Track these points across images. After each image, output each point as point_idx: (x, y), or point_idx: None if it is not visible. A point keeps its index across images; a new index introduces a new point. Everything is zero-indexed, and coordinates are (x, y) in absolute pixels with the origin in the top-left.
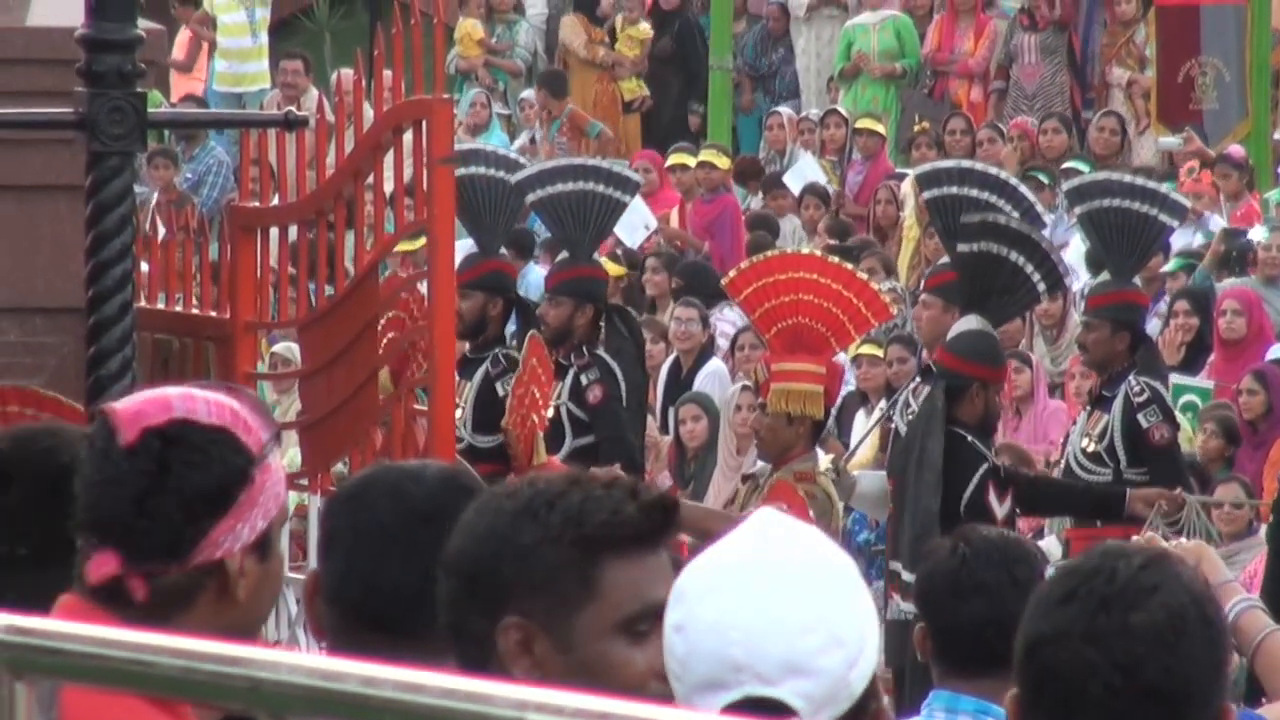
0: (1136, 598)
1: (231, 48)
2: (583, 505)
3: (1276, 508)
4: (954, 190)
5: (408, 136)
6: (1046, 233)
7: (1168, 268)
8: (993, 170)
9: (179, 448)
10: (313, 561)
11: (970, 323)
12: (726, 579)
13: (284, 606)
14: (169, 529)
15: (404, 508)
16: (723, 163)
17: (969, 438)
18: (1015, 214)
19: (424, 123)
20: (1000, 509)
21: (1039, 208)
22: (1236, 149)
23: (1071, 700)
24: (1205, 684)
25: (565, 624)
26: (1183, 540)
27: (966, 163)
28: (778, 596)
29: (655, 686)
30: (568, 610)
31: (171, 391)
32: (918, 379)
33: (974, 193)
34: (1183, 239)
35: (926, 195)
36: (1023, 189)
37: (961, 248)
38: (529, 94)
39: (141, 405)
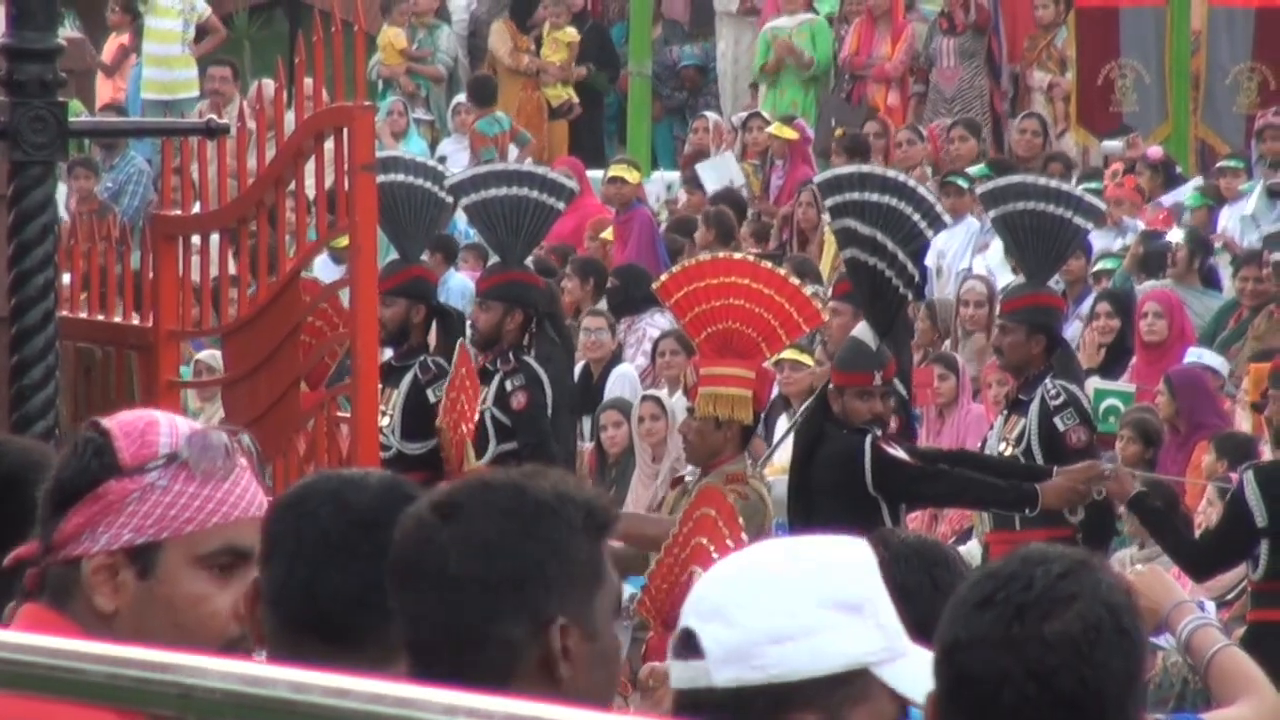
0: (1052, 607)
1: (160, 54)
2: (579, 493)
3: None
4: (855, 196)
5: (329, 144)
6: (966, 235)
7: (1098, 266)
8: (891, 174)
9: (71, 446)
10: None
11: (857, 330)
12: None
13: None
14: (42, 518)
15: (345, 515)
16: (633, 177)
17: (844, 430)
18: (917, 216)
19: (345, 130)
20: (900, 453)
21: (938, 209)
22: (1155, 150)
23: (986, 706)
24: (1120, 694)
25: (590, 613)
26: (1138, 568)
27: (865, 167)
28: (758, 561)
29: None
30: (590, 598)
31: (160, 412)
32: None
33: (874, 197)
34: (1105, 241)
35: (828, 202)
36: (922, 190)
37: (842, 255)
38: (462, 99)
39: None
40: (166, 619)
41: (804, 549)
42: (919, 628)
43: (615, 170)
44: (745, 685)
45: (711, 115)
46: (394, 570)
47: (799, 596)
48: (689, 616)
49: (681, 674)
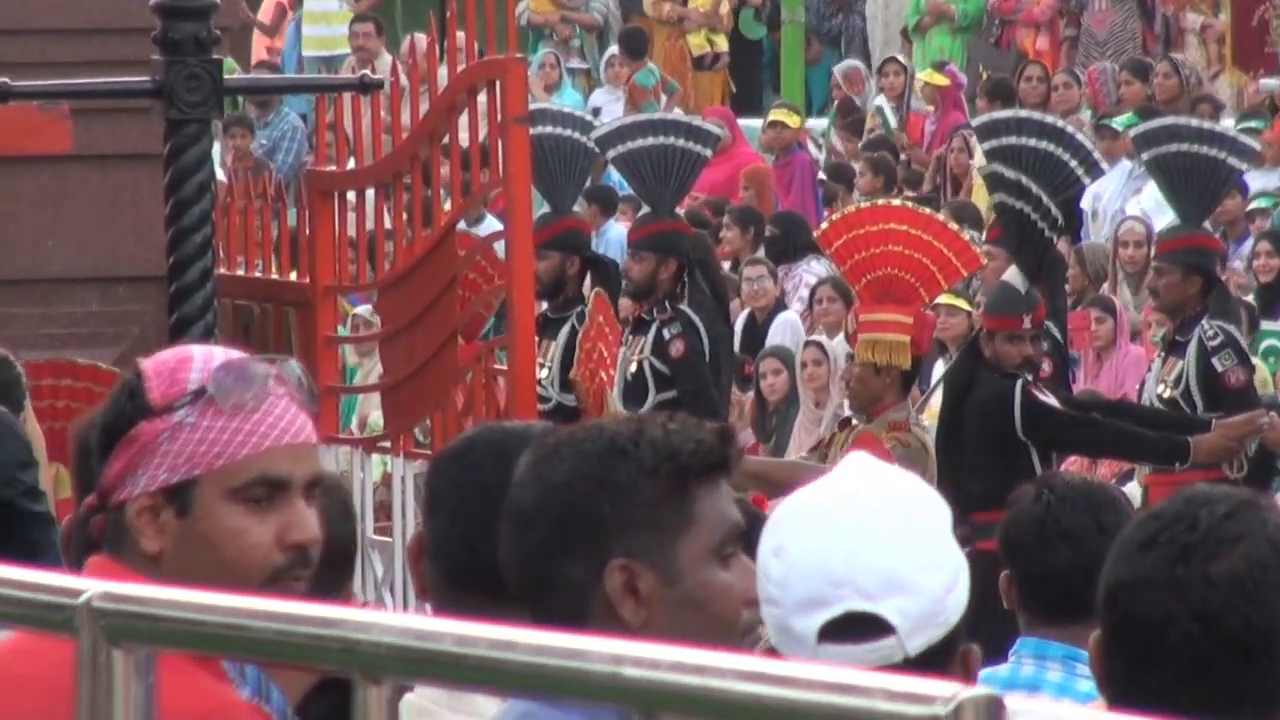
0: (1217, 547)
1: (320, 11)
2: (668, 438)
3: None
4: (1013, 140)
5: (482, 97)
6: (1121, 178)
7: (1252, 205)
8: (1049, 119)
9: (113, 391)
10: (399, 526)
11: (1007, 274)
12: (826, 505)
13: (369, 569)
14: (95, 465)
15: (507, 467)
16: (794, 121)
17: (995, 375)
18: (1074, 162)
19: (497, 83)
20: (1051, 400)
21: (1095, 155)
22: None
23: (1150, 648)
24: None
25: (669, 556)
26: None
27: (1024, 112)
28: (877, 517)
29: (747, 614)
30: (669, 542)
31: (199, 345)
32: None
33: (1032, 142)
34: (1264, 181)
35: (985, 146)
36: (1080, 136)
37: (992, 199)
38: (615, 50)
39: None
40: (208, 555)
41: (886, 484)
42: (1084, 570)
43: (775, 115)
44: (932, 644)
45: (837, 71)
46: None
47: (942, 538)
48: (849, 598)
49: (866, 656)
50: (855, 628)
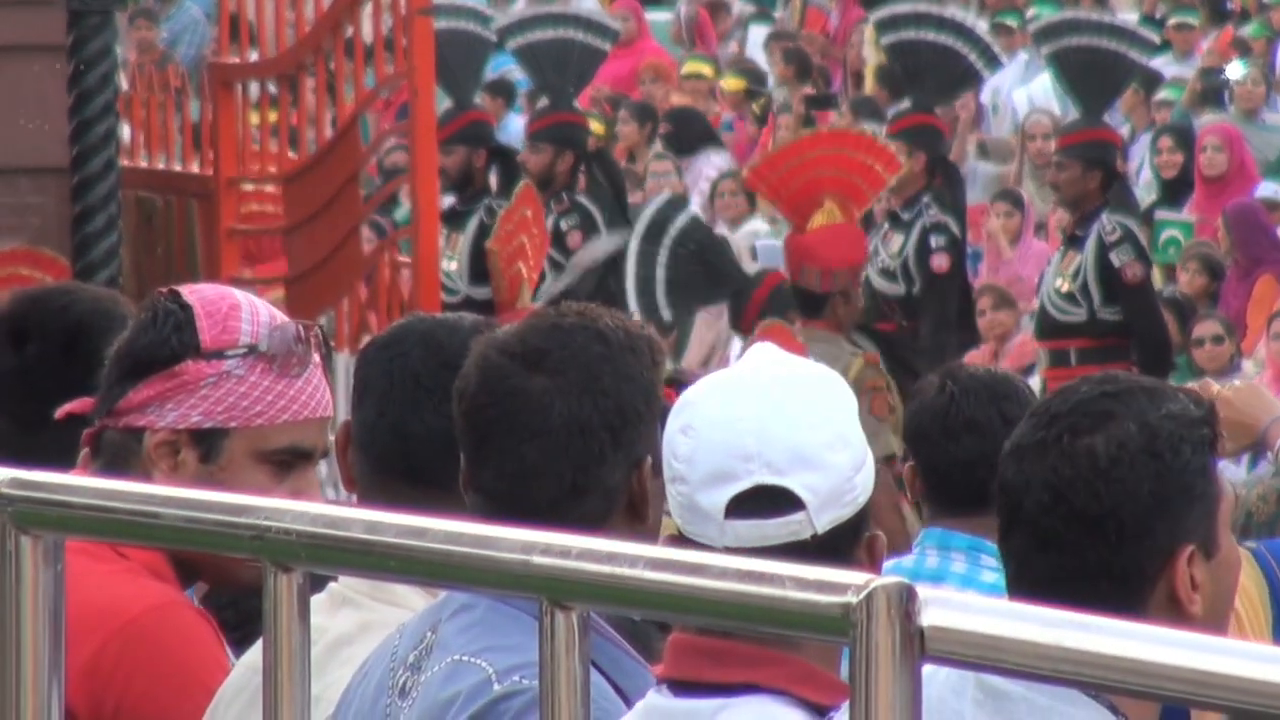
0: (1082, 420)
1: None
2: (638, 330)
3: None
4: (912, 34)
5: None
6: (1011, 73)
7: (1160, 96)
8: (948, 13)
9: (149, 314)
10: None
11: None
12: (734, 385)
13: None
14: (107, 380)
15: (437, 357)
16: (706, 69)
17: None
18: (973, 55)
19: None
20: None
21: (995, 48)
22: None
23: (1011, 515)
24: (1142, 517)
25: (658, 447)
26: (1235, 382)
27: (923, 6)
28: (785, 396)
29: None
30: (651, 434)
31: (238, 292)
32: (886, 225)
33: (931, 36)
34: (1180, 72)
35: (884, 40)
36: (978, 30)
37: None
38: None
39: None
40: None
41: (792, 365)
42: (988, 461)
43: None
44: (839, 523)
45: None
46: (480, 423)
47: (848, 416)
48: (758, 472)
49: (775, 531)
50: (764, 503)
